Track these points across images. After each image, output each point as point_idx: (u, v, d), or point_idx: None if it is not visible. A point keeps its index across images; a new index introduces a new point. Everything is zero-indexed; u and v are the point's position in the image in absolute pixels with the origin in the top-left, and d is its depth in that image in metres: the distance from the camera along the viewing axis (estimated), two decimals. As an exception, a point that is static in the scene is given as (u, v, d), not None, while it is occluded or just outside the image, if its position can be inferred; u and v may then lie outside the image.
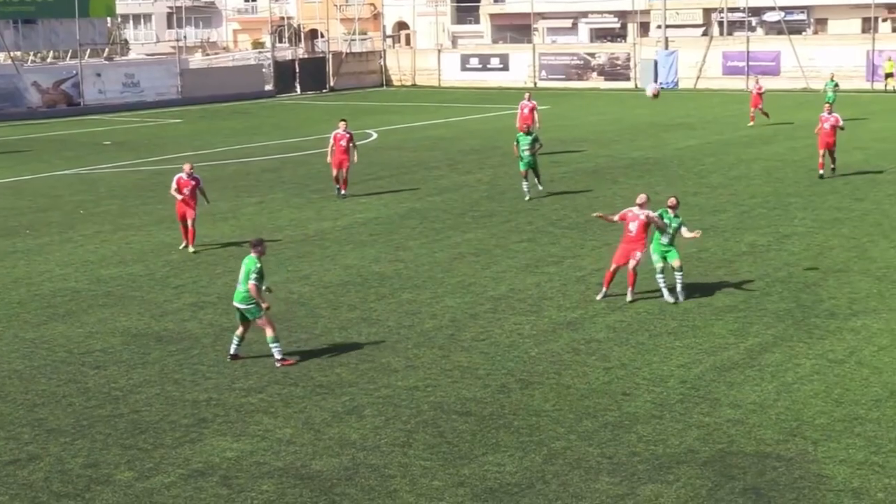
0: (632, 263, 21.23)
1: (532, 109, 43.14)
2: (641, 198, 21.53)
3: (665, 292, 21.22)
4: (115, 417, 15.97)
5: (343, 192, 33.69)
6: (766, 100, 52.13)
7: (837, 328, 19.47)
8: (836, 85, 53.29)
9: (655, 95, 19.65)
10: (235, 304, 18.21)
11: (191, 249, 26.74)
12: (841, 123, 35.42)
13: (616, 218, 21.81)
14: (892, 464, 13.75)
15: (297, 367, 18.02)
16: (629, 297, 21.30)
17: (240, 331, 18.33)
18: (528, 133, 33.11)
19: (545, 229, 28.66)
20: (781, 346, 18.55)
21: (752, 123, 51.33)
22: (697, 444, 14.49)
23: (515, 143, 33.03)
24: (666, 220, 21.27)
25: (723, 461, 13.95)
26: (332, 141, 33.76)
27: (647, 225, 21.25)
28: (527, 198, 32.56)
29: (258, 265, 17.86)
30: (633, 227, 21.30)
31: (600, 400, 16.22)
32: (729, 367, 17.53)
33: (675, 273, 21.31)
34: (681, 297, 21.24)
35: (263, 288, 18.07)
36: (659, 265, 21.29)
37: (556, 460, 14.10)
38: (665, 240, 21.33)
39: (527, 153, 32.43)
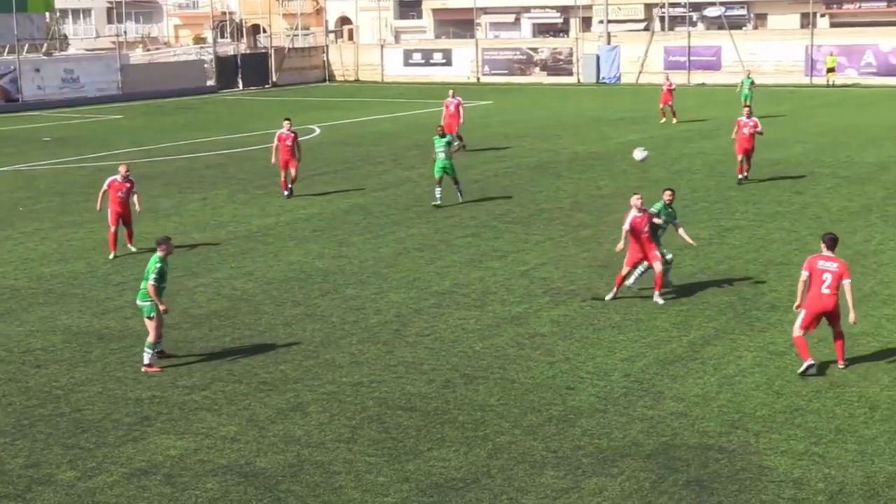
0: (658, 267, 20.73)
1: (458, 107, 42.44)
2: (637, 200, 20.79)
3: (634, 287, 21.24)
4: (56, 416, 15.81)
5: (288, 191, 33.00)
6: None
7: (778, 320, 19.66)
8: (752, 82, 53.03)
9: (643, 160, 19.92)
10: (137, 301, 18.10)
11: (132, 248, 26.17)
12: (760, 128, 33.78)
13: (626, 228, 20.74)
14: (832, 454, 13.92)
15: (240, 364, 17.94)
16: (660, 301, 20.86)
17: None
18: (442, 136, 31.48)
19: (489, 224, 28.71)
20: (723, 338, 18.71)
21: (663, 120, 51.03)
22: (641, 437, 14.58)
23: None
24: (661, 215, 21.10)
25: (666, 454, 14.05)
26: (276, 141, 33.17)
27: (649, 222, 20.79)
28: (436, 202, 31.00)
29: (158, 265, 17.58)
30: (646, 228, 20.69)
31: (545, 394, 16.28)
32: (672, 361, 17.65)
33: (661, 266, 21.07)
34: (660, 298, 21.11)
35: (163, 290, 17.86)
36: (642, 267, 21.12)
37: (501, 455, 14.14)
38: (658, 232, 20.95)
39: (442, 156, 30.91)
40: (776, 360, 17.55)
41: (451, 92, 43.91)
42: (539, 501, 12.87)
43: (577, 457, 14.02)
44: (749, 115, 34.04)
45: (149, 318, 17.66)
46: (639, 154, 20.87)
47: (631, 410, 15.55)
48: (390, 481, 13.43)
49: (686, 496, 12.90)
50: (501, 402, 16.00)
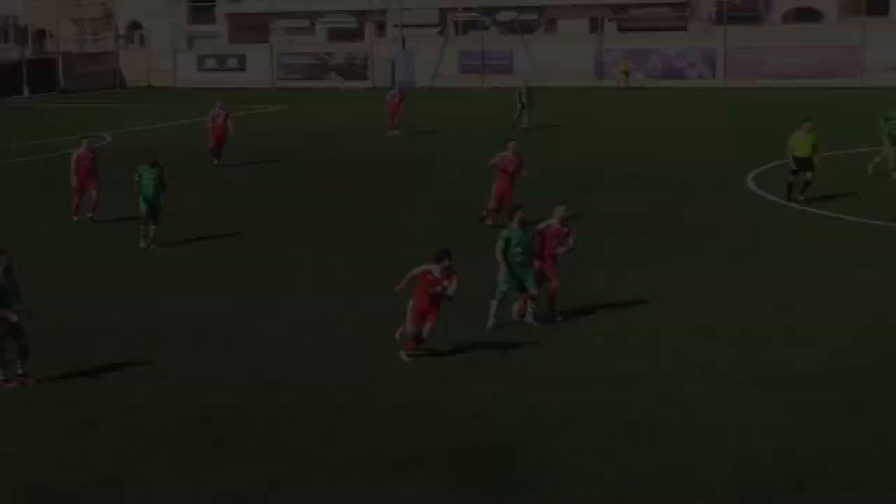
0: (555, 283, 19.94)
1: (226, 118, 40.26)
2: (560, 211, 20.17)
3: (492, 319, 19.54)
4: None
5: (89, 217, 29.49)
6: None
7: (574, 321, 20.03)
8: (530, 90, 49.31)
9: None
10: None
11: None
12: (524, 172, 28.22)
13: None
14: (623, 448, 14.27)
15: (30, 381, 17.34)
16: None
17: None
18: (153, 165, 26.58)
19: (284, 231, 28.53)
20: (521, 337, 18.94)
21: (397, 132, 47.97)
22: (441, 441, 14.66)
23: (137, 178, 26.58)
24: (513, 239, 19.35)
25: (466, 456, 14.16)
26: (74, 161, 29.58)
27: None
28: (143, 244, 26.57)
29: None
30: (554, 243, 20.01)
31: (344, 400, 16.23)
32: (471, 363, 17.81)
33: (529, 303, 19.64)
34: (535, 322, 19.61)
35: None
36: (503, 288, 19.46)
37: (301, 463, 14.04)
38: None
39: (152, 191, 26.39)
40: (572, 358, 17.90)
41: (218, 103, 40.93)
42: (340, 508, 12.84)
43: (376, 462, 14.02)
44: (515, 151, 27.96)
45: None
46: None
47: (430, 413, 15.64)
48: (189, 496, 13.19)
49: (486, 498, 13.04)
50: (302, 409, 15.89)
